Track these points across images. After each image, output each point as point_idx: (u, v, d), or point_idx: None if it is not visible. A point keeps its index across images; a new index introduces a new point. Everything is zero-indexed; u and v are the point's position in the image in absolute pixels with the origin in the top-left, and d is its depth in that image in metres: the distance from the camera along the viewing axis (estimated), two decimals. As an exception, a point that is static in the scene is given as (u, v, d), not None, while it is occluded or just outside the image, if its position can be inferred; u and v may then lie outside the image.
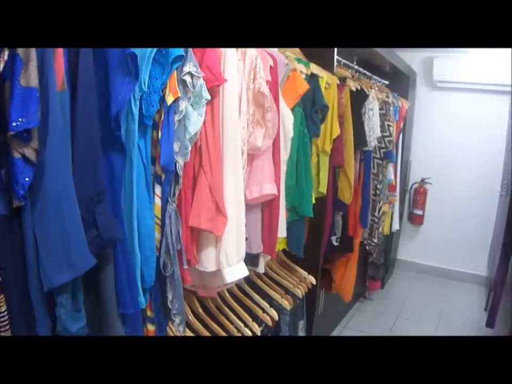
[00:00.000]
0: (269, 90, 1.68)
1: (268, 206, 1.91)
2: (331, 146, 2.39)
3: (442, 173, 4.50)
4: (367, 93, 2.80)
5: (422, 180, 4.57)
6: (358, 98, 2.70)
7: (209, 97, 1.40)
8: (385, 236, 4.02)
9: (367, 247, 3.51)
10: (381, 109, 3.29)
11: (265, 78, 1.70)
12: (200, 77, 1.35)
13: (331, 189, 2.55)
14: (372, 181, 3.37)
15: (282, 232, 2.00)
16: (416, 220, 4.63)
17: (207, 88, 1.39)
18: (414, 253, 4.74)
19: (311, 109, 2.16)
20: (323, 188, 2.44)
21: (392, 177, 3.69)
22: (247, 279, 2.28)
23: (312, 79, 2.15)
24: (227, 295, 2.13)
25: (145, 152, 1.35)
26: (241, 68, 1.64)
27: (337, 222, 2.79)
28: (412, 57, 4.28)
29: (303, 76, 2.07)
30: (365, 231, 3.42)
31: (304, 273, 2.53)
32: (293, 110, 2.06)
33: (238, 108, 1.59)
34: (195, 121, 1.40)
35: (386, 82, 3.89)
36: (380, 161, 3.39)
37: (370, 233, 3.46)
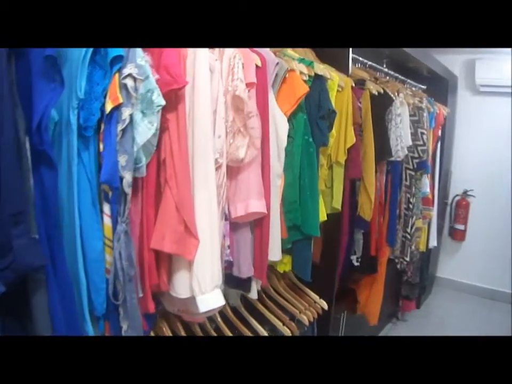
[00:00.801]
0: (251, 93, 1.43)
1: (258, 225, 1.63)
2: (345, 156, 2.07)
3: (487, 185, 4.03)
4: (393, 97, 2.43)
5: (464, 192, 4.11)
6: (381, 103, 2.35)
7: (162, 102, 1.16)
8: (422, 253, 3.61)
9: (398, 266, 3.12)
10: (413, 115, 2.92)
11: (250, 80, 1.44)
12: (144, 80, 1.12)
13: (348, 204, 2.21)
14: (403, 194, 3.01)
15: (274, 255, 1.70)
16: (457, 235, 4.17)
17: (166, 92, 1.17)
18: (455, 270, 4.28)
19: (316, 115, 1.84)
20: (337, 203, 2.12)
21: (428, 190, 3.29)
22: (245, 303, 1.99)
23: (318, 80, 1.84)
24: (219, 319, 1.85)
25: (90, 166, 1.15)
26: (219, 68, 1.38)
27: (358, 240, 2.44)
28: (452, 60, 3.86)
29: (305, 78, 1.76)
30: (396, 248, 3.05)
31: (315, 297, 2.22)
32: (294, 116, 1.77)
33: (210, 114, 1.34)
34: (144, 130, 1.16)
35: (423, 87, 3.50)
36: (413, 173, 3.01)
37: (402, 250, 3.08)
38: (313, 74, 1.81)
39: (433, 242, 3.67)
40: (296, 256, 1.95)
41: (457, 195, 4.15)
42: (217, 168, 1.45)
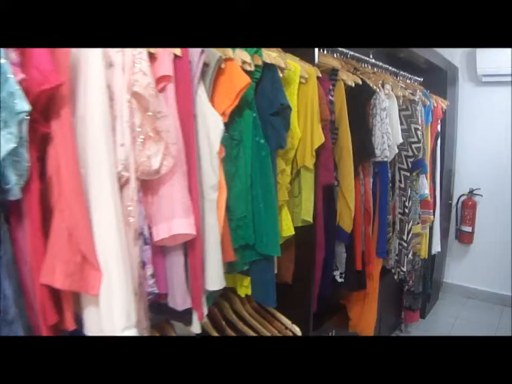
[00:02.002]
0: (168, 88, 1.15)
1: (190, 248, 1.29)
2: (314, 160, 1.67)
3: (494, 183, 3.56)
4: (374, 89, 2.02)
5: (470, 192, 3.65)
6: (360, 96, 1.95)
7: (25, 108, 0.86)
8: (424, 260, 3.18)
9: (395, 276, 2.70)
10: (405, 109, 2.51)
11: (164, 72, 1.12)
12: (3, 82, 0.84)
13: (322, 214, 1.82)
14: (397, 197, 2.59)
15: (213, 283, 1.34)
16: (464, 238, 3.71)
17: (38, 94, 0.91)
18: (463, 275, 3.82)
19: (269, 112, 1.45)
20: (307, 215, 1.73)
21: (427, 191, 2.86)
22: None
23: (268, 71, 1.46)
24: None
25: None
26: (121, 61, 1.06)
27: (339, 254, 2.04)
28: (451, 50, 3.42)
29: (249, 68, 1.38)
30: (391, 257, 2.63)
31: (287, 322, 1.84)
32: (240, 114, 1.41)
33: (106, 118, 1.03)
34: (2, 143, 0.86)
35: (419, 79, 3.07)
36: (408, 173, 2.60)
37: (399, 260, 2.66)
38: (261, 63, 1.42)
39: (436, 248, 3.24)
40: (254, 280, 1.58)
41: (462, 195, 3.69)
42: (125, 183, 1.11)
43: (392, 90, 2.30)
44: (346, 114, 1.82)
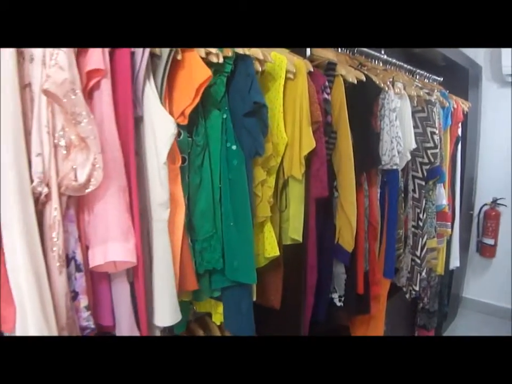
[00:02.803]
0: (102, 85, 0.93)
1: (135, 277, 1.03)
2: (303, 168, 1.36)
3: (521, 192, 3.15)
4: (381, 86, 1.70)
5: (494, 201, 3.26)
6: (364, 95, 1.63)
7: None
8: (441, 276, 2.83)
9: (407, 295, 2.36)
10: (420, 110, 2.18)
11: (94, 65, 0.89)
12: None
13: (315, 230, 1.51)
14: (410, 209, 2.26)
15: (163, 319, 1.07)
16: (486, 251, 3.32)
17: None
18: (483, 291, 3.42)
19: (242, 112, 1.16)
20: (295, 232, 1.43)
21: (445, 202, 2.51)
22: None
23: (242, 63, 1.17)
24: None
25: None
26: (40, 55, 0.86)
27: (338, 275, 1.73)
28: (475, 49, 3.04)
29: (217, 60, 1.10)
30: (402, 275, 2.30)
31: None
32: (205, 114, 1.12)
33: (14, 121, 0.83)
34: None
35: (439, 78, 2.72)
36: (423, 182, 2.26)
37: (411, 277, 2.32)
38: (231, 54, 1.13)
39: (454, 263, 2.87)
40: (227, 308, 1.30)
41: (485, 204, 3.30)
42: (46, 200, 0.86)
43: (404, 89, 1.97)
44: (346, 115, 1.51)
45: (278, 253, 1.40)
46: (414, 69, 2.46)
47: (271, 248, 1.39)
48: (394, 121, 1.79)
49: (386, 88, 1.78)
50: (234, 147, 1.18)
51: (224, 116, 1.18)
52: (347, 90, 1.59)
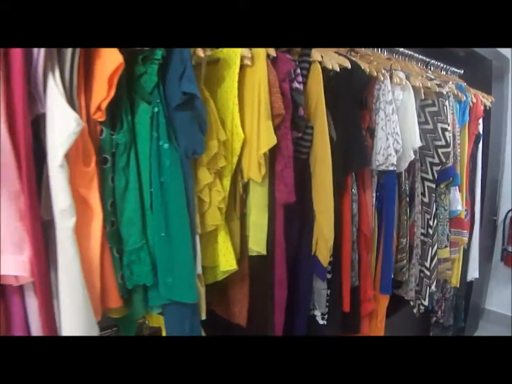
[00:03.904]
0: None
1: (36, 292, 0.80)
2: (263, 170, 1.10)
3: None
4: (369, 74, 1.41)
5: (521, 206, 2.87)
6: (350, 84, 1.34)
7: None
8: (457, 288, 2.49)
9: (414, 310, 2.05)
10: (430, 104, 1.86)
11: None
12: None
13: (282, 242, 1.25)
14: (419, 214, 1.95)
15: (72, 333, 0.86)
16: (510, 261, 2.94)
17: None
18: (508, 303, 3.03)
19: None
20: (256, 243, 1.19)
21: (460, 207, 2.16)
22: None
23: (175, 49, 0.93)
24: None
25: None
26: None
27: (318, 291, 1.45)
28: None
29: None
30: (410, 288, 2.00)
31: None
32: (133, 108, 0.92)
33: None
34: None
35: (459, 71, 2.38)
36: (433, 185, 1.95)
37: (419, 291, 2.02)
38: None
39: (473, 274, 2.52)
40: (167, 328, 1.09)
41: (511, 210, 2.91)
42: None
43: (408, 79, 1.67)
44: (323, 107, 1.24)
45: (234, 267, 1.16)
46: (428, 60, 2.13)
47: (226, 261, 1.15)
48: (391, 116, 1.50)
49: (382, 78, 1.48)
50: (166, 145, 0.95)
51: (156, 110, 0.95)
52: (331, 80, 1.32)
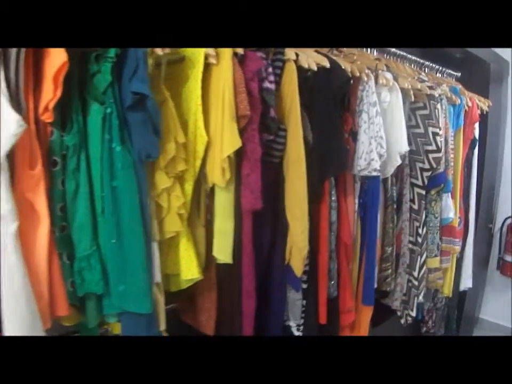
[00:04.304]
0: None
1: None
2: (227, 174, 1.03)
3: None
4: (349, 75, 1.32)
5: (518, 214, 2.77)
6: (327, 84, 1.26)
7: None
8: (448, 298, 2.40)
9: (402, 321, 1.97)
10: (421, 107, 1.78)
11: None
12: None
13: (251, 251, 1.17)
14: (409, 222, 1.87)
15: None
16: (508, 270, 2.83)
17: None
18: (503, 313, 2.93)
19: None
20: (220, 252, 1.12)
21: (452, 214, 2.07)
22: None
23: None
24: None
25: None
26: None
27: (292, 302, 1.38)
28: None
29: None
30: (396, 297, 1.91)
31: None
32: (84, 108, 0.87)
33: None
34: None
35: (456, 73, 2.29)
36: (423, 191, 1.86)
37: (407, 301, 1.93)
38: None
39: (466, 284, 2.43)
40: None
41: (508, 217, 2.81)
42: None
43: (396, 80, 1.58)
44: (298, 109, 1.16)
45: (196, 276, 1.09)
46: (422, 61, 2.04)
47: (188, 270, 1.09)
48: (374, 118, 1.42)
49: (365, 78, 1.40)
50: (118, 148, 0.89)
51: (109, 111, 0.89)
52: (308, 80, 1.24)
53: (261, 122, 1.12)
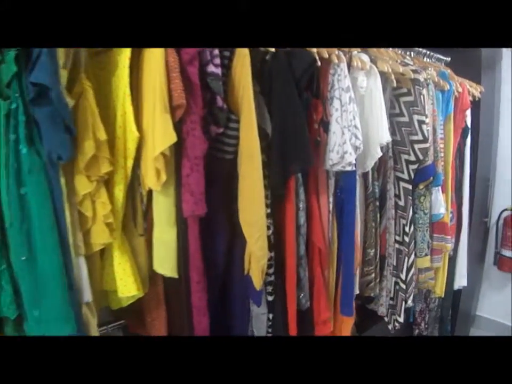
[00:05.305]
0: None
1: None
2: (162, 176, 0.86)
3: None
4: (313, 57, 1.15)
5: (516, 206, 2.60)
6: (289, 67, 1.09)
7: None
8: (440, 298, 2.25)
9: (389, 327, 1.82)
10: (405, 93, 1.61)
11: None
12: None
13: (199, 262, 1.01)
14: (394, 220, 1.71)
15: None
16: (505, 265, 2.66)
17: None
18: (501, 309, 2.77)
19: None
20: (160, 266, 0.96)
21: (443, 210, 1.90)
22: None
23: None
24: None
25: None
26: None
27: (257, 316, 1.22)
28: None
29: None
30: (382, 303, 1.76)
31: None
32: None
33: None
34: None
35: (446, 58, 2.11)
36: (409, 186, 1.70)
37: (394, 305, 1.78)
38: None
39: (461, 282, 2.27)
40: None
41: (504, 210, 2.64)
42: None
43: (374, 63, 1.41)
44: (251, 96, 1.00)
45: (135, 292, 0.94)
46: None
47: (124, 286, 0.93)
48: (347, 105, 1.26)
49: (336, 60, 1.23)
50: (25, 150, 0.73)
51: (14, 106, 0.72)
52: (266, 63, 1.07)
53: (209, 113, 0.96)
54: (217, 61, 0.95)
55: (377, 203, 1.62)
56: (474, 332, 2.82)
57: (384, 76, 1.46)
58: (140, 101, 0.89)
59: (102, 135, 0.82)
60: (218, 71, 0.95)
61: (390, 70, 1.47)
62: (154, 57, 0.85)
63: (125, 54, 0.86)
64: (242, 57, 1.00)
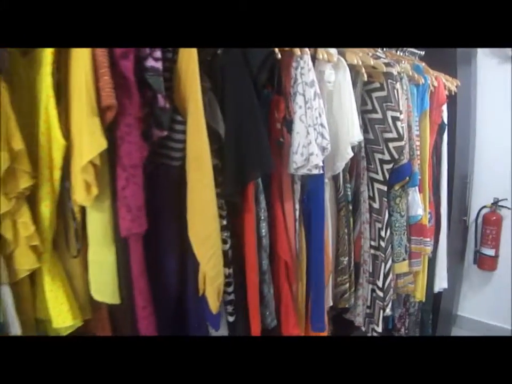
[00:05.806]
0: None
1: None
2: (93, 190, 0.74)
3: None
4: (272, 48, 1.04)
5: (495, 203, 2.54)
6: (241, 62, 0.98)
7: None
8: (420, 303, 2.17)
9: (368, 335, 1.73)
10: (378, 88, 1.52)
11: None
12: None
13: (145, 286, 0.89)
14: (369, 224, 1.62)
15: None
16: (485, 263, 2.62)
17: None
18: (482, 309, 2.73)
19: None
20: (97, 292, 0.86)
21: (421, 211, 1.82)
22: None
23: None
24: None
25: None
26: None
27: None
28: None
29: None
30: (358, 312, 1.67)
31: None
32: None
33: None
34: None
35: (419, 52, 2.02)
36: (384, 187, 1.61)
37: (371, 314, 1.69)
38: None
39: (441, 285, 2.20)
40: None
41: (483, 207, 2.58)
42: None
43: (343, 56, 1.31)
44: (198, 95, 0.88)
45: (70, 322, 0.82)
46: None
47: (57, 316, 0.82)
48: (312, 101, 1.15)
49: (298, 52, 1.12)
50: None
51: None
52: (218, 58, 0.96)
53: (150, 115, 0.84)
54: (158, 54, 0.83)
55: (350, 207, 1.53)
56: (456, 331, 2.78)
57: (354, 70, 1.37)
58: (67, 104, 0.77)
59: (18, 144, 0.69)
60: (158, 65, 0.83)
61: (361, 63, 1.37)
62: (81, 52, 0.73)
63: (48, 49, 0.74)
64: (188, 52, 0.88)
